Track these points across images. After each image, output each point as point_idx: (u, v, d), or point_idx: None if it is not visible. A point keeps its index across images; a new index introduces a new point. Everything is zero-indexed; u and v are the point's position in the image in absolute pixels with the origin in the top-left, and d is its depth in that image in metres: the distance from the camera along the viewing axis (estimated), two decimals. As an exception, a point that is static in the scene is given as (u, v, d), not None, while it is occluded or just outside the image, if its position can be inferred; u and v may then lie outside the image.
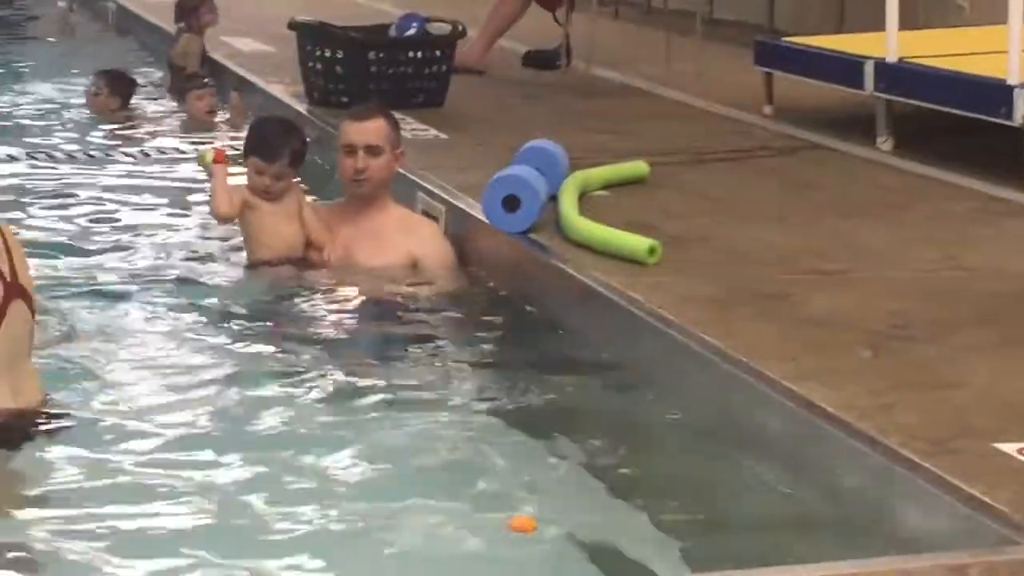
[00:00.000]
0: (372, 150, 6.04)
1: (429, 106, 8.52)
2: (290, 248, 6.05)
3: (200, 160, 6.21)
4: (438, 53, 8.64)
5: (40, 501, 4.11)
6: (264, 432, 4.57)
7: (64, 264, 6.21)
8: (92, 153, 8.45)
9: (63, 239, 6.64)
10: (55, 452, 4.36)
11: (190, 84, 9.56)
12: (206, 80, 9.53)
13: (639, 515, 4.04)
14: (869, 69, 7.43)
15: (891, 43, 7.42)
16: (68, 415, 4.57)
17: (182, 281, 6.01)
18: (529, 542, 3.86)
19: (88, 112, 9.57)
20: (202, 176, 7.44)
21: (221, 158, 6.12)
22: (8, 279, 4.39)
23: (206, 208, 6.48)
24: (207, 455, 4.40)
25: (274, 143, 6.05)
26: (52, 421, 4.49)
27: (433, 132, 7.91)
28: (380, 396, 4.87)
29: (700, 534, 3.93)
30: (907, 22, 7.84)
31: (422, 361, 5.21)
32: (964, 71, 7.15)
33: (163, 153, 8.50)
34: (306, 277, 6.00)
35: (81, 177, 7.92)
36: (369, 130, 6.07)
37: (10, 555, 3.79)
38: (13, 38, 13.23)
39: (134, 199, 7.42)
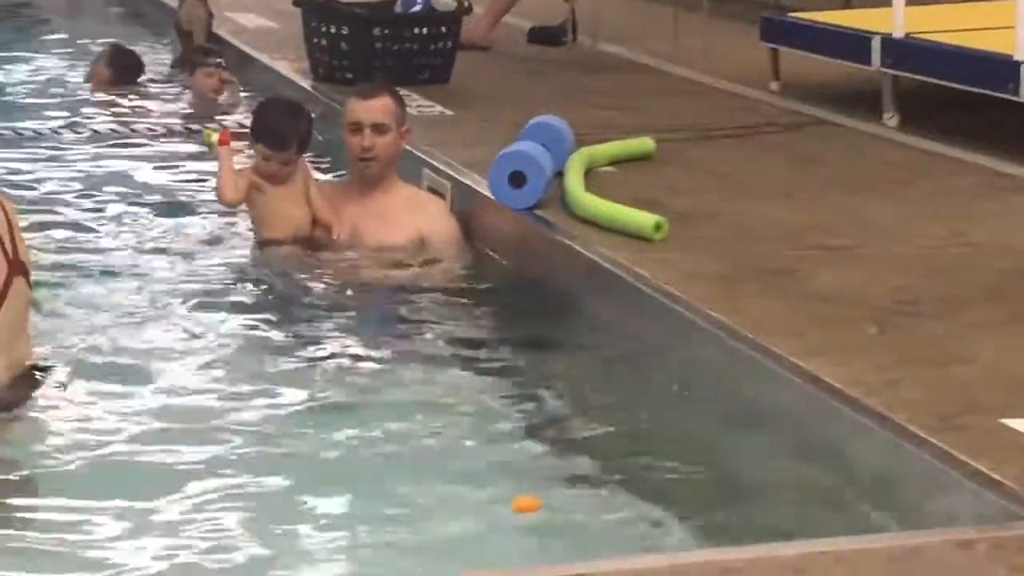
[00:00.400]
0: (378, 128, 6.02)
1: (434, 82, 8.50)
2: (298, 228, 6.04)
3: (206, 140, 6.19)
4: (443, 29, 8.63)
5: (33, 469, 4.13)
6: (269, 409, 4.57)
7: (69, 242, 6.21)
8: (96, 130, 8.44)
9: (67, 217, 6.64)
10: (51, 426, 4.39)
11: (201, 60, 9.49)
12: (219, 61, 9.47)
13: (646, 492, 4.04)
14: (876, 45, 7.41)
15: (898, 18, 7.40)
16: (68, 389, 4.59)
17: (189, 261, 6.00)
18: (533, 521, 3.86)
19: (91, 89, 9.55)
20: (208, 154, 7.45)
21: (226, 140, 6.09)
22: (11, 256, 4.40)
23: (211, 186, 6.48)
24: (211, 430, 4.41)
25: (281, 130, 6.01)
26: (48, 394, 4.52)
27: (439, 108, 7.91)
28: (386, 374, 4.88)
29: (707, 510, 3.94)
30: (914, -3, 7.82)
31: (428, 338, 5.22)
32: (971, 47, 7.13)
33: (169, 131, 8.48)
34: (314, 257, 5.99)
35: (86, 154, 7.91)
36: (375, 108, 6.05)
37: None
38: (20, 13, 13.20)
39: (139, 177, 7.41)
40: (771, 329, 4.54)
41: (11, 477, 4.12)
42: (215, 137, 6.17)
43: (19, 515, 3.91)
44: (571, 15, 9.90)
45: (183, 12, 10.28)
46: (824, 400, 4.10)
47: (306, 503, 3.97)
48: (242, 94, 9.15)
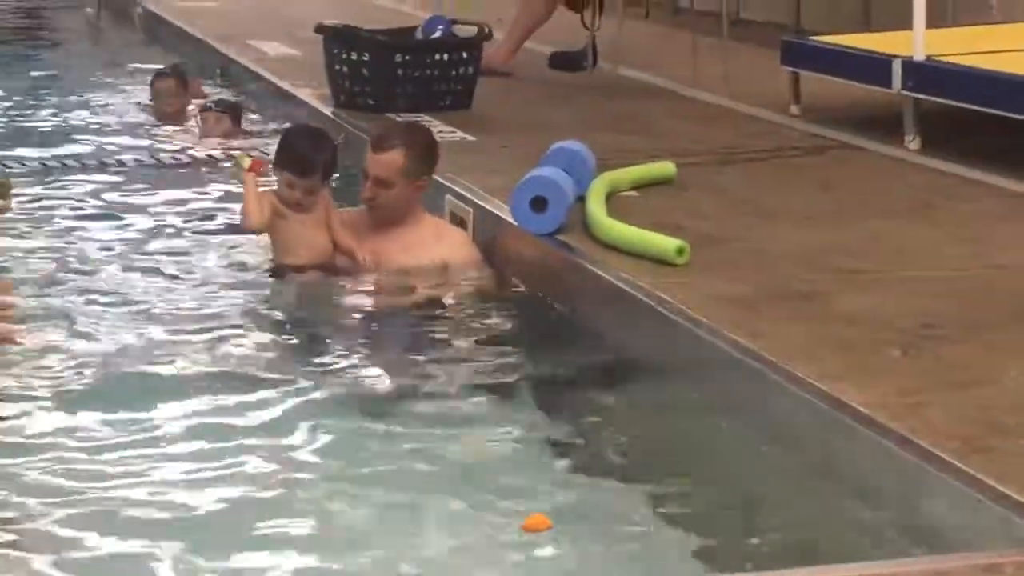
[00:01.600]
0: (380, 182, 5.99)
1: (456, 109, 8.51)
2: (319, 255, 6.04)
3: (235, 164, 6.16)
4: (464, 55, 8.64)
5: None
6: (289, 430, 4.59)
7: (88, 269, 6.22)
8: (120, 159, 8.46)
9: (88, 245, 6.65)
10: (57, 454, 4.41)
11: (206, 108, 9.40)
12: (210, 104, 9.33)
13: (664, 515, 4.03)
14: (897, 68, 7.40)
15: (918, 41, 7.39)
16: (82, 410, 4.65)
17: (208, 286, 6.01)
18: (544, 541, 3.87)
19: (115, 118, 9.58)
20: (230, 182, 7.48)
21: (256, 168, 6.07)
22: None
23: (234, 213, 6.49)
24: (232, 454, 4.42)
25: (307, 156, 6.01)
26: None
27: (460, 134, 7.92)
28: (406, 397, 4.89)
29: (726, 533, 3.93)
30: (935, 20, 7.81)
31: (448, 362, 5.22)
32: (992, 69, 7.12)
33: (187, 159, 8.49)
34: (334, 283, 6.00)
35: (107, 182, 7.93)
36: (381, 163, 5.99)
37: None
38: (39, 44, 13.26)
39: (160, 204, 7.43)
40: (794, 353, 4.53)
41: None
42: (245, 163, 6.13)
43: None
44: (591, 41, 9.90)
45: (157, 106, 9.59)
46: (848, 424, 4.08)
47: (313, 518, 4.00)
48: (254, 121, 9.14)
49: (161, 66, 10.12)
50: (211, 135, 8.95)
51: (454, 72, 8.60)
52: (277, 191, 6.06)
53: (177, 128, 9.25)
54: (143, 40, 13.31)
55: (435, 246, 6.03)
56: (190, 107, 9.46)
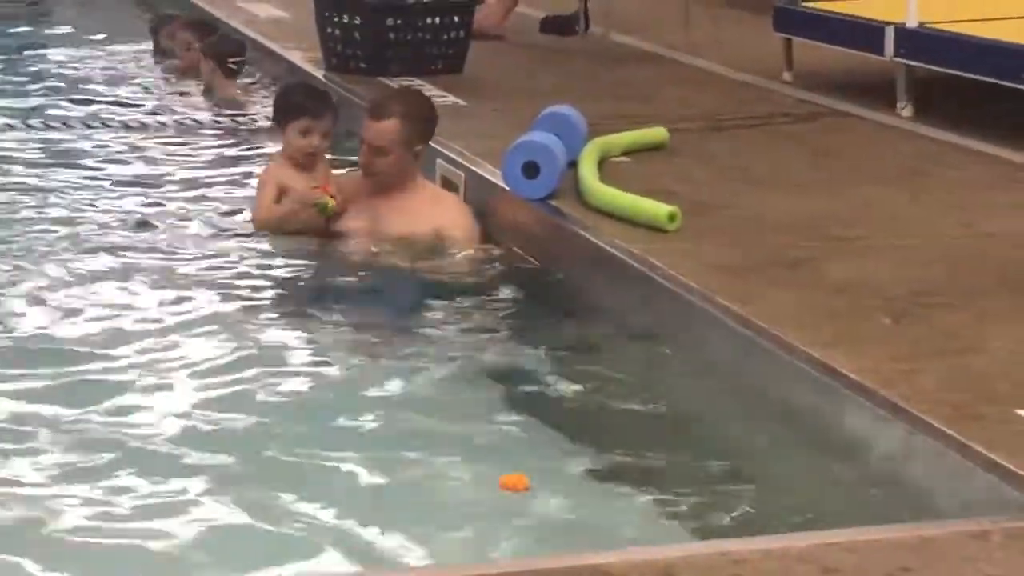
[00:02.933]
0: (377, 150, 5.98)
1: (448, 73, 8.50)
2: (316, 218, 6.04)
3: (322, 210, 5.99)
4: (456, 19, 8.63)
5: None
6: (280, 390, 4.63)
7: (79, 231, 6.21)
8: (124, 119, 8.43)
9: (82, 205, 6.64)
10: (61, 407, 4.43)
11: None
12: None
13: (654, 481, 4.05)
14: (889, 34, 7.39)
15: (911, 8, 7.38)
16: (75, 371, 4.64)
17: (201, 248, 6.01)
18: (522, 501, 3.89)
19: (112, 76, 9.56)
20: (217, 143, 7.49)
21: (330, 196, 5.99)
22: None
23: (229, 173, 6.47)
24: (225, 411, 4.46)
25: (318, 100, 6.09)
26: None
27: (452, 99, 7.90)
28: (393, 357, 4.91)
29: (712, 499, 3.93)
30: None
31: (437, 325, 5.24)
32: (985, 36, 7.11)
33: (183, 123, 8.47)
34: (329, 246, 6.00)
35: (98, 143, 7.91)
36: (378, 130, 5.96)
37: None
38: (31, 8, 13.21)
39: (154, 166, 7.42)
40: (785, 320, 4.53)
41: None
42: (331, 203, 5.99)
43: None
44: (583, 5, 9.88)
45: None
46: (839, 391, 4.09)
47: (294, 477, 4.03)
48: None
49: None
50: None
51: (446, 36, 8.59)
52: (290, 147, 6.05)
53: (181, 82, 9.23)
54: (134, 2, 13.26)
55: (431, 211, 6.02)
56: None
